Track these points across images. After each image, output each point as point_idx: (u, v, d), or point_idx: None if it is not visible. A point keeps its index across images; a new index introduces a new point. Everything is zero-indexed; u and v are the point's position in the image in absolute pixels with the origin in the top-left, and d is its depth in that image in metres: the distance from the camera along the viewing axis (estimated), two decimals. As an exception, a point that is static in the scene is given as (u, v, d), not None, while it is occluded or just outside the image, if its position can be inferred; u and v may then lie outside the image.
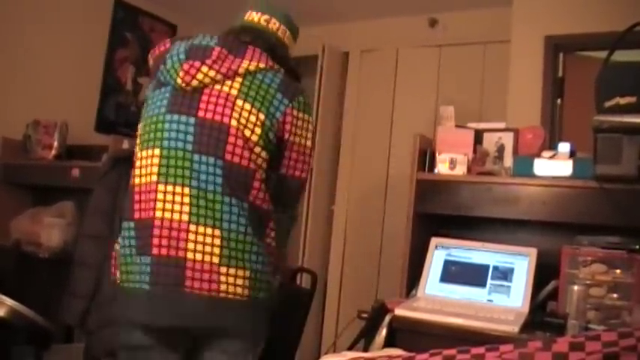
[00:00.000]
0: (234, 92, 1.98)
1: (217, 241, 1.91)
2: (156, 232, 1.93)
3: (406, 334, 2.29)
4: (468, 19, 4.91)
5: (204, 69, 1.99)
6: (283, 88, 2.04)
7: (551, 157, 2.62)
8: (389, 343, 2.25)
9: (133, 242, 1.99)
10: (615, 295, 2.33)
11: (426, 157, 2.87)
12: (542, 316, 2.36)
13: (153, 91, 2.12)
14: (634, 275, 2.32)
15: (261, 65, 2.03)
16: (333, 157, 5.32)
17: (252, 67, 2.02)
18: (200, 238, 1.91)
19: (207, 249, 1.91)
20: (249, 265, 1.94)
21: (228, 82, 2.00)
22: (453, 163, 2.76)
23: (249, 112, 1.97)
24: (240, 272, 1.93)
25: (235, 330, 2.00)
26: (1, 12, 4.31)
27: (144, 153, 2.03)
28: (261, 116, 1.98)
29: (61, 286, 3.64)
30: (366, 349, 2.25)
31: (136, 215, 2.00)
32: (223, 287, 1.91)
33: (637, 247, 2.38)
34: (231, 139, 1.95)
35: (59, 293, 3.65)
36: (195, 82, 2.00)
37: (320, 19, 5.46)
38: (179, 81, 2.01)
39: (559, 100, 4.14)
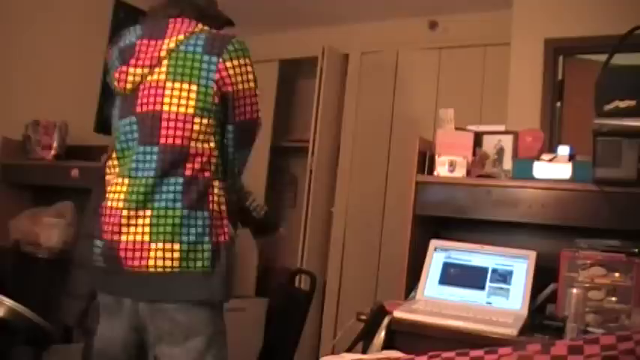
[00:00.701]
0: (162, 77, 2.05)
1: (147, 221, 1.99)
2: (103, 219, 2.08)
3: (405, 336, 2.28)
4: (468, 22, 4.92)
5: (131, 70, 2.08)
6: (208, 46, 2.06)
7: (550, 160, 2.63)
8: (388, 345, 2.24)
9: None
10: (614, 299, 2.33)
11: (426, 160, 2.87)
12: (541, 319, 2.36)
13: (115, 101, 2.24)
14: (633, 278, 2.33)
15: (180, 37, 2.07)
16: (332, 158, 5.32)
17: (172, 45, 2.06)
18: (132, 221, 2.01)
19: (139, 229, 2.00)
20: (180, 237, 1.99)
21: (157, 69, 2.06)
22: (452, 166, 2.76)
23: (180, 90, 2.03)
24: (169, 245, 1.98)
25: (171, 300, 2.01)
26: (1, 12, 4.31)
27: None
28: (193, 87, 2.03)
29: (60, 286, 3.64)
30: (364, 351, 2.25)
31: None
32: (151, 262, 1.97)
33: (636, 250, 2.38)
34: (164, 123, 2.02)
35: (58, 293, 3.65)
36: (129, 85, 2.09)
37: (320, 20, 5.47)
38: (118, 89, 2.13)
39: (558, 103, 4.14)
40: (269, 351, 3.52)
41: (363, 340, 2.33)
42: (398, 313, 2.33)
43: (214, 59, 2.04)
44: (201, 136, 2.04)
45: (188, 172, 2.02)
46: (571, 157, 2.63)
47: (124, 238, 2.01)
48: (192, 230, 2.00)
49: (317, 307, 4.88)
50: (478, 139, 2.90)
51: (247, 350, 3.51)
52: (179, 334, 2.01)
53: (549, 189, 2.56)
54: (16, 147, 4.33)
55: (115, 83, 2.11)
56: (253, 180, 4.35)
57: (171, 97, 2.02)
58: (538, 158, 2.67)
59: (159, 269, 1.97)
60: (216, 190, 2.08)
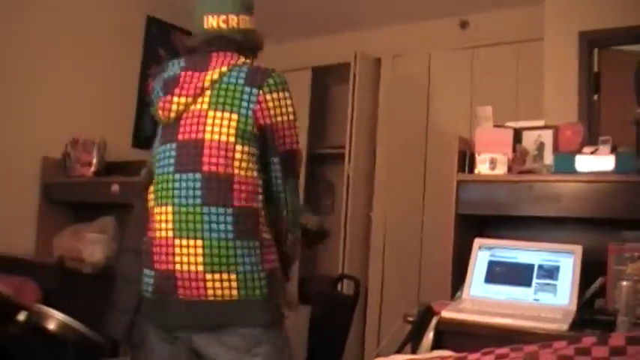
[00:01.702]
0: (204, 106, 2.10)
1: (200, 251, 2.02)
2: (153, 249, 2.11)
3: (453, 336, 2.27)
4: (500, 20, 4.88)
5: (175, 99, 2.13)
6: (250, 79, 2.12)
7: (592, 153, 2.60)
8: (436, 345, 2.23)
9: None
10: (664, 290, 2.30)
11: (466, 159, 2.85)
12: (591, 314, 2.33)
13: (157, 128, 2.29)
14: (683, 269, 2.29)
15: (224, 69, 2.13)
16: (369, 163, 5.31)
17: (215, 76, 2.12)
18: (185, 250, 2.03)
19: (192, 259, 2.02)
20: (235, 267, 2.01)
21: (200, 99, 2.11)
22: (493, 163, 2.74)
23: (221, 118, 2.07)
24: (225, 276, 2.00)
25: (228, 325, 2.04)
26: (37, 33, 4.38)
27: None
28: (234, 116, 2.08)
29: (105, 300, 3.67)
30: (413, 352, 2.24)
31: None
32: (210, 292, 2.00)
33: (684, 239, 2.34)
34: (206, 151, 2.06)
35: (103, 308, 3.68)
36: (172, 115, 2.14)
37: (351, 25, 5.48)
38: (161, 118, 2.17)
39: (595, 96, 4.09)
40: (315, 356, 3.52)
41: (412, 342, 2.32)
42: (446, 313, 2.31)
43: (255, 91, 2.10)
44: (243, 164, 2.07)
45: (237, 203, 2.05)
46: (613, 149, 2.59)
47: (178, 267, 2.04)
48: (247, 260, 2.03)
49: (359, 312, 4.86)
50: (517, 135, 2.87)
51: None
52: (242, 346, 2.05)
53: (592, 182, 2.53)
54: (56, 165, 4.40)
55: (160, 112, 2.16)
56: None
57: (212, 125, 2.07)
58: (579, 151, 2.64)
59: (218, 298, 2.01)
60: (262, 220, 2.11)
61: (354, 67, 5.18)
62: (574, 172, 2.58)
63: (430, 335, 2.25)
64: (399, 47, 5.37)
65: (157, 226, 2.11)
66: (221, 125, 2.06)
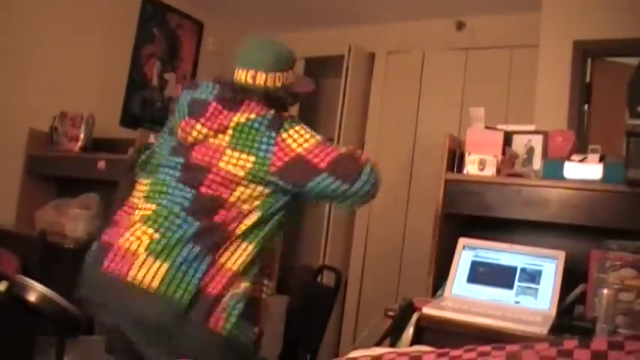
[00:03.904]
0: (224, 144, 2.12)
1: (150, 238, 2.02)
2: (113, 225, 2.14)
3: (433, 333, 2.28)
4: (496, 23, 4.91)
5: (198, 127, 2.15)
6: (271, 125, 2.13)
7: (581, 161, 2.61)
8: (416, 341, 2.24)
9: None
10: (644, 301, 2.32)
11: (455, 158, 2.86)
12: (570, 320, 2.35)
13: (168, 130, 2.31)
14: (664, 281, 2.31)
15: (252, 116, 2.14)
16: (356, 157, 5.30)
17: (242, 119, 2.13)
18: (138, 233, 2.04)
19: (137, 241, 2.02)
20: (173, 262, 1.98)
21: (220, 136, 2.14)
22: (482, 164, 2.75)
23: (238, 158, 2.09)
24: (157, 264, 1.97)
25: (135, 319, 2.01)
26: (31, 5, 4.35)
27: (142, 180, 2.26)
28: (251, 158, 2.09)
29: (85, 277, 3.65)
30: (393, 347, 2.25)
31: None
32: (133, 273, 1.97)
33: (667, 252, 2.36)
34: (211, 176, 2.09)
35: (83, 284, 3.66)
36: (190, 139, 2.17)
37: (347, 19, 5.47)
38: (179, 137, 2.20)
39: (586, 106, 4.12)
40: (291, 347, 3.52)
41: (391, 336, 2.33)
42: (427, 310, 2.32)
43: (273, 134, 2.11)
44: (244, 197, 2.09)
45: (216, 219, 2.07)
46: (601, 158, 2.61)
47: (120, 242, 2.04)
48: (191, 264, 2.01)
49: (338, 303, 4.88)
50: (508, 138, 2.88)
51: (266, 347, 3.51)
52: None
53: (580, 189, 2.54)
54: (42, 138, 4.37)
55: (179, 132, 2.19)
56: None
57: (228, 162, 2.09)
58: (568, 158, 2.66)
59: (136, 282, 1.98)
60: (231, 247, 2.08)
61: (347, 60, 5.18)
62: (562, 178, 2.59)
63: (410, 331, 2.26)
64: (394, 44, 5.38)
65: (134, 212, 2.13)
66: (236, 164, 2.08)
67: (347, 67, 5.17)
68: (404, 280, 4.91)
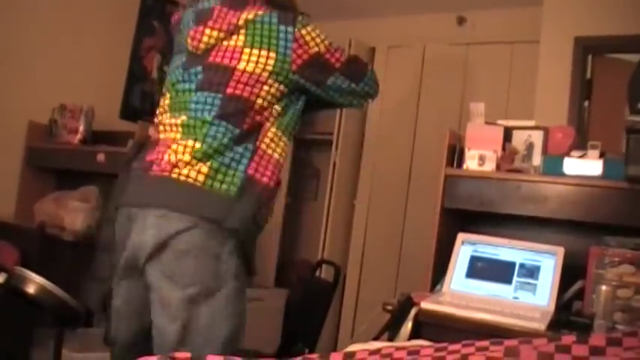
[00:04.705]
0: (240, 44, 2.10)
1: (195, 147, 2.01)
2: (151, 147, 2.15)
3: (432, 327, 2.28)
4: (497, 19, 4.90)
5: (207, 31, 2.14)
6: (283, 19, 2.12)
7: (581, 157, 2.61)
8: (414, 336, 2.24)
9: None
10: (643, 297, 2.32)
11: (455, 153, 2.86)
12: (568, 316, 2.35)
13: (173, 57, 2.33)
14: (662, 277, 2.31)
15: (260, 12, 2.13)
16: (356, 151, 5.31)
17: (250, 16, 2.11)
18: (180, 149, 2.02)
19: (182, 149, 2.02)
20: (217, 160, 2.01)
21: (234, 37, 2.11)
22: (482, 160, 2.75)
23: (258, 55, 2.08)
24: (202, 163, 2.00)
25: (179, 207, 2.00)
26: (32, -4, 4.34)
27: (161, 101, 2.28)
28: (272, 54, 2.09)
29: (84, 269, 3.66)
30: (391, 341, 2.25)
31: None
32: (176, 170, 2.00)
33: (666, 249, 2.36)
34: (235, 77, 2.07)
35: (82, 277, 3.67)
36: (202, 45, 2.15)
37: (348, 13, 5.46)
38: (190, 47, 2.18)
39: (586, 102, 4.11)
40: (289, 341, 3.53)
41: (389, 331, 2.33)
42: (425, 305, 2.32)
43: (290, 29, 2.11)
44: (269, 97, 2.10)
45: (245, 126, 2.07)
46: (601, 155, 2.61)
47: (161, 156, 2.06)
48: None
49: (336, 297, 4.88)
50: (507, 134, 2.88)
51: (264, 340, 3.52)
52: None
53: (579, 185, 2.54)
54: (42, 131, 4.35)
55: (189, 41, 2.17)
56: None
57: (248, 60, 2.08)
58: (568, 155, 2.65)
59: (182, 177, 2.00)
60: (270, 137, 2.12)
61: (348, 53, 5.16)
62: (562, 174, 2.59)
63: (409, 325, 2.26)
64: (395, 38, 5.37)
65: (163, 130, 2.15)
66: (257, 62, 2.08)
67: (347, 61, 5.15)
68: (402, 274, 4.92)
